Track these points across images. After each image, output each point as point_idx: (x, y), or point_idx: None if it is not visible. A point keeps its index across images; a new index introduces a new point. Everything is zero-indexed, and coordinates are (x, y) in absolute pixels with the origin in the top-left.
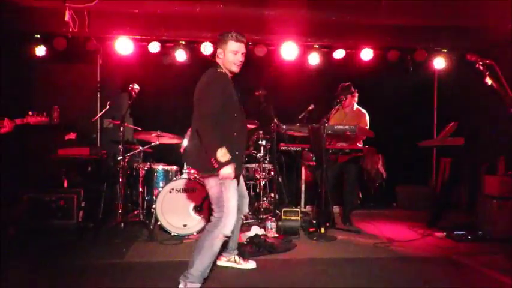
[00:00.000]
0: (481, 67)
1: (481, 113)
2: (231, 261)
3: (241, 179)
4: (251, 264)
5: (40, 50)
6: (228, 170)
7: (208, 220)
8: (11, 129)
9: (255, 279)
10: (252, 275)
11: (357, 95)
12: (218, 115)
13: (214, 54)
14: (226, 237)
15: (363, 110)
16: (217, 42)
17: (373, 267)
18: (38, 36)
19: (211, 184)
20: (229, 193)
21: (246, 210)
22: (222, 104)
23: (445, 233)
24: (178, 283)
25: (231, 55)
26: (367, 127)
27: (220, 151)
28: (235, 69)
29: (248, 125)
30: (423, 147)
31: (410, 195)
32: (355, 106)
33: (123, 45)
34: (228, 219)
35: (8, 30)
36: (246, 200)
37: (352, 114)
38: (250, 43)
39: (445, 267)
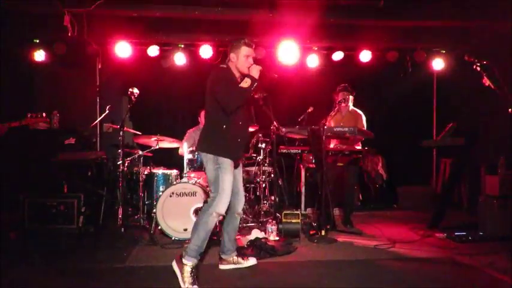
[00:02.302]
0: (478, 68)
1: (480, 113)
2: (230, 263)
3: (240, 176)
4: (251, 261)
5: (39, 55)
6: (255, 73)
7: None
8: (2, 133)
9: (257, 281)
10: (254, 278)
11: (352, 96)
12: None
13: (219, 58)
14: (220, 215)
15: (359, 111)
16: (230, 48)
17: (375, 269)
18: (37, 41)
19: (209, 166)
20: (226, 175)
21: (239, 209)
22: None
23: (446, 234)
24: (181, 255)
25: (244, 59)
26: (364, 128)
27: (244, 83)
28: (247, 71)
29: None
30: (423, 147)
31: (411, 196)
32: (351, 107)
33: (122, 49)
34: (222, 199)
35: (7, 35)
36: (241, 199)
37: (348, 116)
38: None
39: (447, 267)
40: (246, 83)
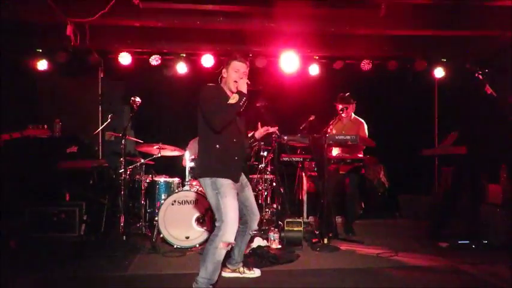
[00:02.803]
0: (480, 76)
1: (482, 122)
2: (236, 271)
3: (251, 195)
4: (256, 273)
5: (42, 64)
6: (244, 87)
7: (211, 231)
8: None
9: None
10: (256, 286)
11: (354, 105)
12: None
13: (220, 67)
14: (229, 244)
15: (361, 120)
16: (224, 65)
17: (377, 278)
18: (40, 50)
19: (209, 194)
20: (226, 201)
21: (254, 226)
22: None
23: (448, 243)
24: None
25: (233, 73)
26: (366, 136)
27: (232, 99)
28: (234, 88)
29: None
30: (425, 156)
31: (413, 204)
32: (353, 116)
33: (124, 59)
34: (227, 227)
35: (10, 44)
36: (256, 217)
37: (350, 124)
38: (251, 55)
39: (449, 276)
40: (233, 99)
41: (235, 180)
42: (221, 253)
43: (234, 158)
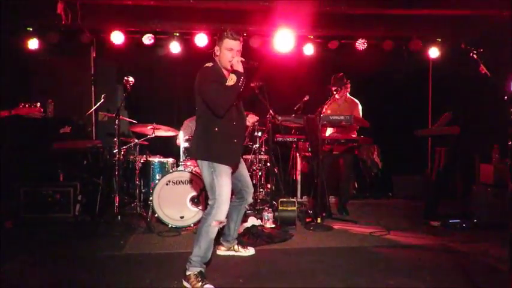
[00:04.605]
0: (475, 56)
1: (475, 102)
2: (230, 250)
3: (245, 169)
4: (250, 251)
5: (33, 43)
6: (239, 66)
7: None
8: None
9: (253, 268)
10: (250, 264)
11: (349, 85)
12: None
13: (214, 46)
14: (221, 222)
15: (356, 100)
16: (216, 40)
17: (370, 256)
18: (31, 29)
19: (204, 172)
20: (221, 180)
21: (250, 200)
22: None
23: (440, 222)
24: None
25: (226, 52)
26: (360, 117)
27: (230, 80)
28: (228, 66)
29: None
30: (418, 136)
31: (406, 184)
32: (348, 96)
33: (117, 38)
34: (220, 206)
35: (0, 23)
36: (251, 191)
37: (345, 105)
38: (245, 34)
39: (441, 255)
40: (231, 81)
41: (234, 164)
42: (214, 231)
43: (233, 141)
